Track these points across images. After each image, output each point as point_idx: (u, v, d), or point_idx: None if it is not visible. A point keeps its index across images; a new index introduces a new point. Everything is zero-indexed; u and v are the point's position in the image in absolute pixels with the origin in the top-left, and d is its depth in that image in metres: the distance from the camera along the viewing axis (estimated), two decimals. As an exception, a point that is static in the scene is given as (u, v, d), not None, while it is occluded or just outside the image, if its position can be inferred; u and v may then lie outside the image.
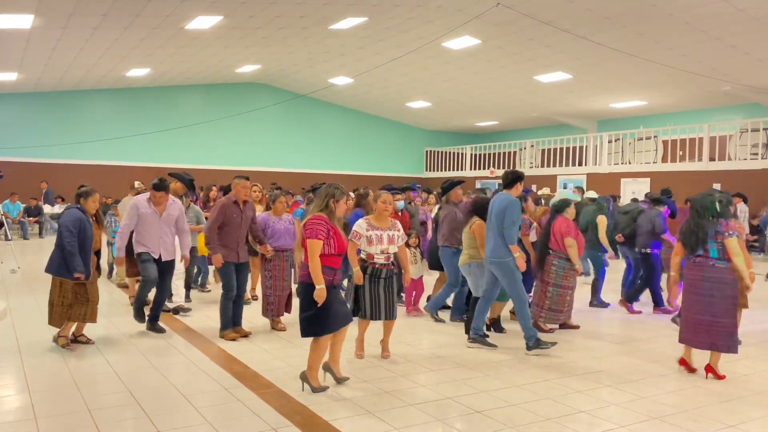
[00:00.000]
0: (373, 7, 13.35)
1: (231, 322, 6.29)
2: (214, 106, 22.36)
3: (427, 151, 27.30)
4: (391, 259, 5.60)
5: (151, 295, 6.66)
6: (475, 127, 26.94)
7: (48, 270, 5.70)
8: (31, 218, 17.67)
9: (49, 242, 16.22)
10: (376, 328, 5.86)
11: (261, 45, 16.67)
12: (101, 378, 5.02)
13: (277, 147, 23.63)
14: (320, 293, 4.48)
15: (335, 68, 19.21)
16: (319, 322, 4.56)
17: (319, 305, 4.51)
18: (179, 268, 7.16)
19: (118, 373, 5.11)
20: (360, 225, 5.55)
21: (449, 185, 7.59)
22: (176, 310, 7.47)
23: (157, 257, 6.40)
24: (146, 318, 6.52)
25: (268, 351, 5.90)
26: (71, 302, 5.68)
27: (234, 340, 6.17)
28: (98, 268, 6.09)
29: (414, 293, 7.79)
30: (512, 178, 6.13)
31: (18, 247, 13.83)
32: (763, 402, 4.76)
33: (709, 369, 5.28)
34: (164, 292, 6.61)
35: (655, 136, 19.58)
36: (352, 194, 8.85)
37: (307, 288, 4.57)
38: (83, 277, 5.59)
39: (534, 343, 5.91)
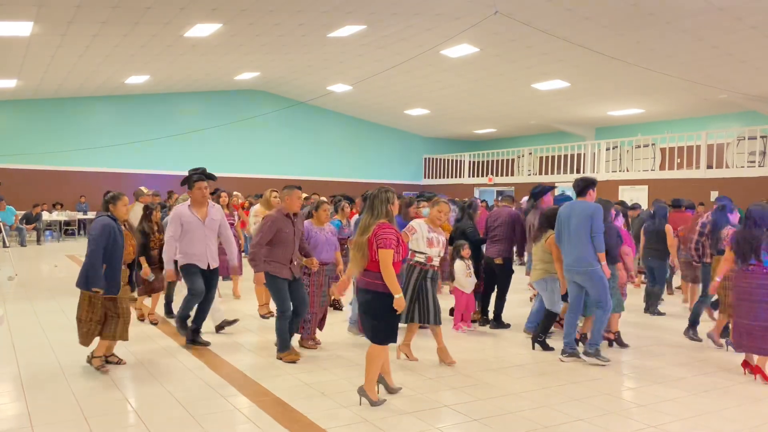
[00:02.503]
0: (372, 15, 13.40)
1: (290, 342, 5.79)
2: (213, 113, 22.40)
3: (426, 158, 27.33)
4: (436, 262, 5.76)
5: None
6: (474, 135, 26.99)
7: (78, 284, 5.23)
8: (28, 225, 17.65)
9: (48, 249, 16.24)
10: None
11: (260, 52, 16.71)
12: (104, 397, 5.00)
13: (276, 154, 23.67)
14: (400, 302, 4.43)
15: (334, 75, 19.26)
16: (392, 329, 4.56)
17: (398, 313, 4.50)
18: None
19: (122, 387, 5.08)
20: (421, 226, 5.77)
21: (541, 191, 7.41)
22: (221, 326, 6.88)
23: (204, 267, 6.02)
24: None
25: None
26: (101, 319, 5.22)
27: (294, 362, 5.64)
28: (131, 281, 5.64)
29: (465, 309, 7.28)
30: (584, 186, 6.02)
31: (15, 254, 13.80)
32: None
33: (758, 370, 5.49)
34: (209, 302, 6.20)
35: (653, 144, 19.63)
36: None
37: (377, 297, 4.47)
38: (101, 292, 5.13)
39: (594, 351, 5.89)
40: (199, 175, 6.10)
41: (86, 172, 20.58)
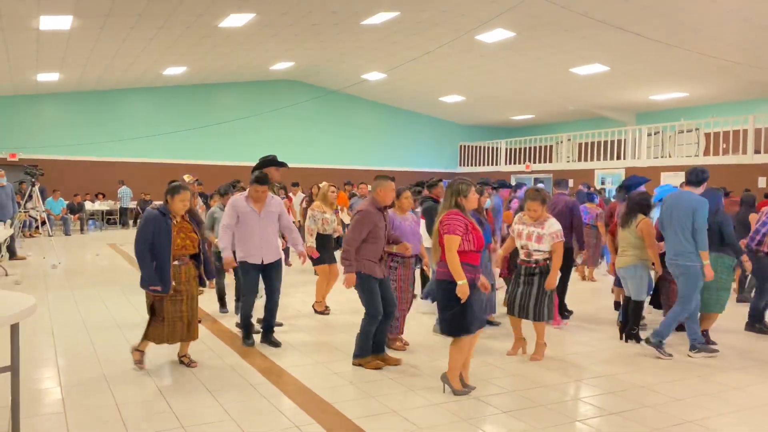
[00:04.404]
0: (405, 2, 13.25)
1: (371, 347, 5.35)
2: (249, 103, 22.61)
3: (461, 146, 27.06)
4: (534, 257, 5.54)
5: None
6: (511, 121, 26.58)
7: (140, 284, 4.93)
8: (73, 215, 18.15)
9: (91, 238, 16.70)
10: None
11: (294, 42, 16.74)
12: (132, 377, 5.08)
13: (311, 143, 23.77)
14: (463, 289, 4.34)
15: (368, 63, 19.18)
16: (465, 319, 4.44)
17: (462, 301, 4.39)
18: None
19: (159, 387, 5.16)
20: (519, 217, 5.74)
21: (635, 182, 7.24)
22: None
23: (259, 262, 5.79)
24: (253, 332, 5.97)
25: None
26: (162, 319, 4.94)
27: (380, 368, 5.23)
28: (200, 278, 5.17)
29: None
30: (702, 178, 5.80)
31: (60, 243, 14.23)
32: None
33: None
34: (275, 299, 5.95)
35: (696, 129, 18.98)
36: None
37: (447, 285, 4.43)
38: (160, 289, 4.81)
39: (657, 342, 5.76)
40: (265, 178, 5.75)
41: (126, 163, 21.04)
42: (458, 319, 4.44)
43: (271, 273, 5.87)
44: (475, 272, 4.54)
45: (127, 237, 15.99)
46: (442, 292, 4.49)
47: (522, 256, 5.62)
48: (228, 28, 14.47)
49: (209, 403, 4.36)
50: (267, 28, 15.07)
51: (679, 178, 17.70)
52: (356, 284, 5.17)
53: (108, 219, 20.20)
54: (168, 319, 4.93)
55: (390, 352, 5.60)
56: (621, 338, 6.37)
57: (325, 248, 7.44)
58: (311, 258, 7.32)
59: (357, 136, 24.94)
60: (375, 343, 5.34)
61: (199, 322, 6.56)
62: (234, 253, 5.83)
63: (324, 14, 14.09)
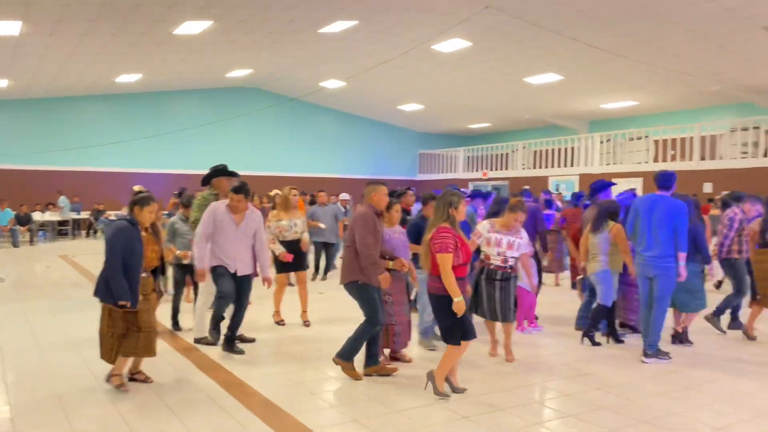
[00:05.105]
0: (363, 11, 13.33)
1: (367, 359, 5.30)
2: (207, 111, 22.29)
3: (420, 154, 27.29)
4: (510, 263, 5.71)
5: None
6: (468, 129, 26.94)
7: (96, 293, 4.73)
8: (22, 226, 17.54)
9: (41, 250, 16.17)
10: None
11: (252, 49, 16.62)
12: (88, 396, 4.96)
13: (270, 151, 23.58)
14: (459, 305, 4.54)
15: (327, 71, 19.18)
16: (463, 328, 4.64)
17: (458, 316, 4.58)
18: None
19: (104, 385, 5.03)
20: (483, 226, 5.85)
21: (600, 186, 7.35)
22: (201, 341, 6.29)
23: (233, 271, 5.75)
24: (221, 336, 5.85)
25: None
26: (122, 332, 4.72)
27: (358, 378, 5.16)
28: (158, 289, 5.09)
29: (528, 309, 7.03)
30: (673, 183, 5.98)
31: (8, 256, 13.75)
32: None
33: None
34: (242, 311, 5.91)
35: (646, 136, 19.61)
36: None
37: (440, 299, 4.63)
38: (128, 305, 4.63)
39: (654, 352, 5.88)
40: (244, 186, 5.73)
41: (79, 172, 20.48)
42: (457, 329, 4.62)
43: (242, 286, 5.83)
44: (464, 285, 4.76)
45: (79, 248, 15.56)
46: (439, 305, 4.67)
47: (498, 262, 5.71)
48: (184, 35, 14.28)
49: (172, 421, 4.28)
50: (224, 36, 14.94)
51: (630, 184, 18.32)
52: (355, 294, 5.15)
53: (59, 230, 19.60)
54: (144, 330, 4.74)
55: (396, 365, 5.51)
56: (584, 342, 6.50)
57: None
58: (274, 263, 7.24)
59: (317, 144, 24.87)
60: (370, 355, 5.27)
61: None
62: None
63: (282, 22, 14.05)
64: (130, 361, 4.95)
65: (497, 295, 5.69)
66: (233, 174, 6.48)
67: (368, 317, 5.13)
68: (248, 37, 15.15)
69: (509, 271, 5.72)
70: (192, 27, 13.71)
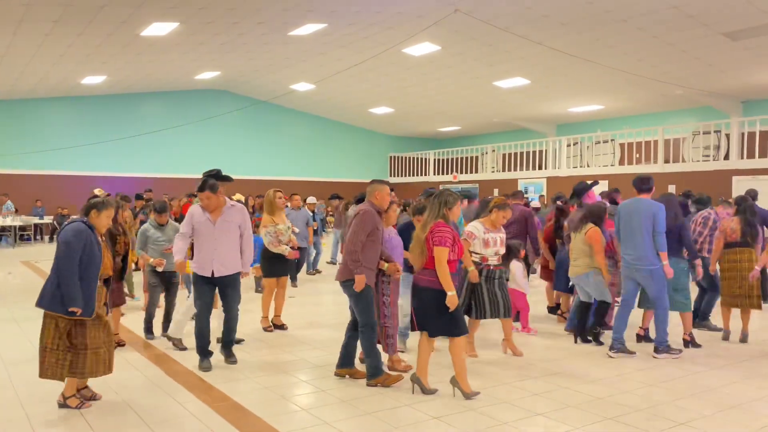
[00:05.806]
0: (332, 13, 13.32)
1: (343, 359, 5.26)
2: (174, 114, 22.01)
3: (391, 157, 27.36)
4: (500, 260, 5.98)
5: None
6: (438, 133, 27.13)
7: (39, 303, 4.29)
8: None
9: (2, 256, 15.72)
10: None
11: (220, 51, 16.48)
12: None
13: (240, 154, 23.36)
14: (453, 300, 4.61)
15: (296, 74, 19.12)
16: (456, 323, 4.70)
17: (451, 311, 4.63)
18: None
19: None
20: (477, 227, 5.92)
21: (583, 188, 7.40)
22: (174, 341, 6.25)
23: (208, 275, 5.48)
24: (208, 352, 5.60)
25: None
26: (68, 348, 4.29)
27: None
28: (108, 302, 4.77)
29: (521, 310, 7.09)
30: (651, 185, 6.15)
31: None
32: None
33: None
34: (231, 313, 5.65)
35: (612, 140, 20.00)
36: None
37: (434, 294, 4.66)
38: (80, 311, 4.23)
39: (664, 348, 5.99)
40: (206, 182, 5.55)
41: (42, 176, 20.02)
42: (452, 323, 4.69)
43: (225, 290, 5.60)
44: (454, 281, 4.81)
45: (42, 253, 15.19)
46: (437, 301, 4.65)
47: (495, 261, 5.91)
48: (151, 36, 14.09)
49: (140, 426, 4.21)
50: (192, 37, 14.77)
51: (597, 186, 18.62)
52: (351, 292, 5.00)
53: (21, 235, 19.12)
54: (91, 348, 4.31)
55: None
56: (576, 341, 6.60)
57: (277, 259, 7.09)
58: (263, 268, 7.14)
59: (287, 147, 24.76)
60: (346, 354, 5.20)
61: (123, 345, 6.32)
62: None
63: (250, 24, 13.96)
64: (76, 381, 4.49)
65: (499, 292, 5.88)
66: (226, 178, 6.15)
67: (365, 320, 5.00)
68: (217, 38, 15.02)
69: (503, 268, 6.03)
70: (159, 28, 13.54)
